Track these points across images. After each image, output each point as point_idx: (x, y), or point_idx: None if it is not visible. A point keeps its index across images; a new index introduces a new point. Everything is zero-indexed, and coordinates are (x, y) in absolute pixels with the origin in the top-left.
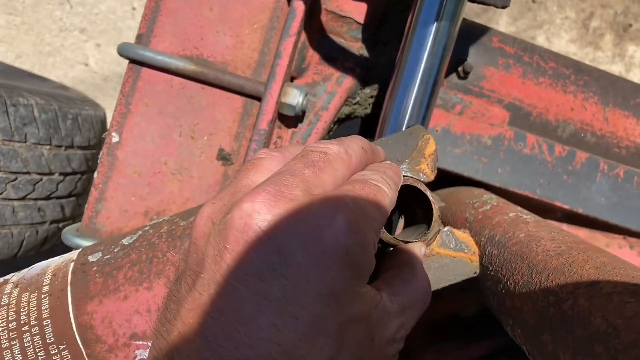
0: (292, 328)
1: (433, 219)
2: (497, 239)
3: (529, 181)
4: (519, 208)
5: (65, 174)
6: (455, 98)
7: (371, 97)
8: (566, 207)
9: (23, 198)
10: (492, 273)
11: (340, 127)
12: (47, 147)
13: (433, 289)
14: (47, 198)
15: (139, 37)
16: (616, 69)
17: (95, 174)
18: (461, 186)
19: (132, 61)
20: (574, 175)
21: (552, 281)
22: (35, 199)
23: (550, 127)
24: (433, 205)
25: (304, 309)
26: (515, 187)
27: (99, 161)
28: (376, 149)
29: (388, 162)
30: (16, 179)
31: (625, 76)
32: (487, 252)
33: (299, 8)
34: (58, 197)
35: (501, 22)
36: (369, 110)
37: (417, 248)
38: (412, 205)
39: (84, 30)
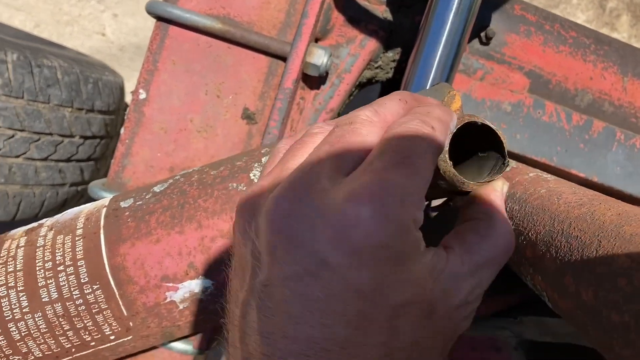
0: (341, 325)
1: (505, 149)
2: (518, 195)
3: (546, 148)
4: (537, 170)
5: (86, 137)
6: (477, 64)
7: (393, 61)
8: (582, 175)
9: (45, 159)
10: (512, 227)
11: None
12: (69, 109)
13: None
14: (68, 160)
15: None
16: None
17: (122, 130)
18: None
19: (160, 19)
20: (590, 144)
21: (574, 228)
22: (56, 160)
23: (569, 95)
24: (498, 132)
25: (349, 305)
26: (533, 154)
27: (126, 117)
28: (420, 96)
29: (435, 102)
30: (39, 139)
31: None
32: (507, 209)
33: None
34: (78, 160)
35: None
36: (390, 75)
37: (498, 188)
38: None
39: (101, 0)
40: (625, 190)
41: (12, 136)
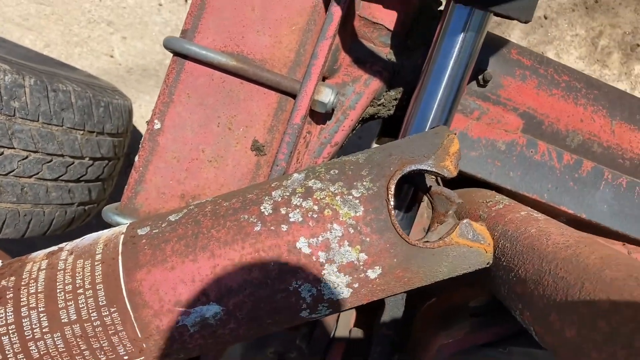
0: None
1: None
2: (509, 233)
3: (538, 186)
4: (529, 208)
5: (95, 159)
6: (474, 104)
7: (395, 99)
8: (571, 212)
9: (56, 179)
10: (504, 264)
11: (362, 126)
12: (81, 132)
13: (450, 275)
14: (77, 181)
15: (184, 32)
16: (622, 86)
17: (136, 158)
18: (474, 188)
19: (176, 54)
20: (579, 183)
21: (561, 269)
22: (66, 181)
23: (560, 136)
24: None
25: None
26: (525, 190)
27: (140, 146)
28: None
29: None
30: (51, 160)
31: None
32: (500, 245)
33: (336, 13)
34: (87, 181)
35: (513, 36)
36: (391, 112)
37: None
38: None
39: (111, 23)
40: (612, 227)
41: (26, 157)
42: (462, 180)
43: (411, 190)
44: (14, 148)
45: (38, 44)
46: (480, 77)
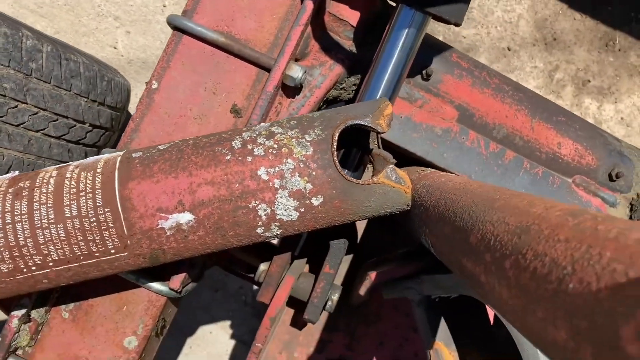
0: None
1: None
2: (427, 183)
3: (467, 167)
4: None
5: (94, 126)
6: (418, 94)
7: (354, 84)
8: None
9: (59, 137)
10: (419, 203)
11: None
12: (85, 99)
13: (378, 211)
14: (77, 143)
15: (184, 12)
16: None
17: (135, 111)
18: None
19: (176, 29)
20: (502, 168)
21: (452, 194)
22: (67, 141)
23: (488, 127)
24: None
25: None
26: (456, 170)
27: (139, 101)
28: None
29: None
30: (57, 120)
31: None
32: (419, 192)
33: (309, 6)
34: (85, 145)
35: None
36: (351, 96)
37: None
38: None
39: (118, 17)
40: None
41: (36, 113)
42: (408, 161)
43: (359, 154)
44: (27, 103)
45: (49, 30)
46: (424, 71)
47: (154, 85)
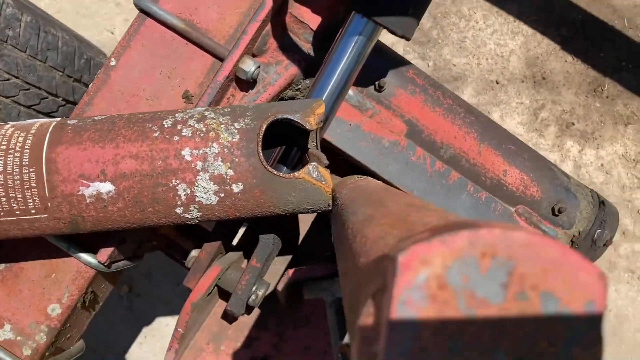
0: None
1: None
2: (352, 187)
3: (410, 182)
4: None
5: (67, 102)
6: (369, 104)
7: (309, 87)
8: None
9: (29, 107)
10: (339, 203)
11: None
12: (60, 73)
13: (298, 208)
14: (47, 115)
15: None
16: (553, 157)
17: (90, 85)
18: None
19: (141, 11)
20: (445, 188)
21: (352, 196)
22: (37, 111)
23: (436, 146)
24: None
25: None
26: (399, 184)
27: (95, 76)
28: None
29: None
30: (29, 89)
31: (559, 166)
32: (341, 195)
33: (268, 3)
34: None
35: (466, 92)
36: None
37: None
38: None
39: (119, 4)
40: None
41: (8, 79)
42: (355, 169)
43: (298, 154)
44: None
45: (51, 9)
46: (377, 82)
47: (112, 63)
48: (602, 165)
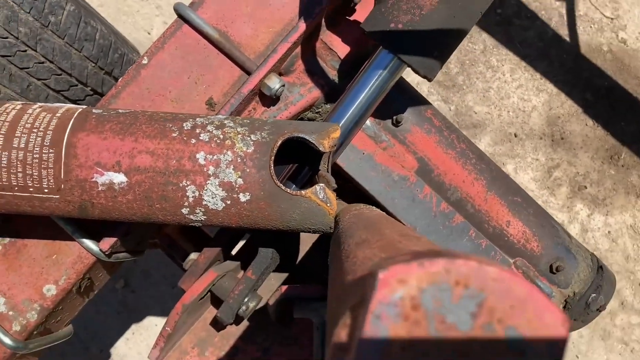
0: None
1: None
2: (355, 214)
3: (413, 218)
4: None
5: (95, 92)
6: (385, 137)
7: (329, 111)
8: None
9: (58, 92)
10: (340, 227)
11: None
12: (93, 64)
13: (301, 225)
14: (74, 101)
15: (191, 4)
16: (561, 216)
17: (120, 79)
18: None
19: (180, 17)
20: (448, 229)
21: (356, 218)
22: (65, 97)
23: (444, 187)
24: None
25: None
26: (402, 218)
27: (126, 71)
28: None
29: None
30: (61, 75)
31: (566, 227)
32: (343, 220)
33: (301, 27)
34: None
35: (484, 140)
36: None
37: None
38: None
39: (160, 7)
40: None
41: (43, 62)
42: (362, 198)
43: (309, 174)
44: (36, 51)
45: (94, 2)
46: (394, 117)
47: (144, 61)
48: (609, 232)
